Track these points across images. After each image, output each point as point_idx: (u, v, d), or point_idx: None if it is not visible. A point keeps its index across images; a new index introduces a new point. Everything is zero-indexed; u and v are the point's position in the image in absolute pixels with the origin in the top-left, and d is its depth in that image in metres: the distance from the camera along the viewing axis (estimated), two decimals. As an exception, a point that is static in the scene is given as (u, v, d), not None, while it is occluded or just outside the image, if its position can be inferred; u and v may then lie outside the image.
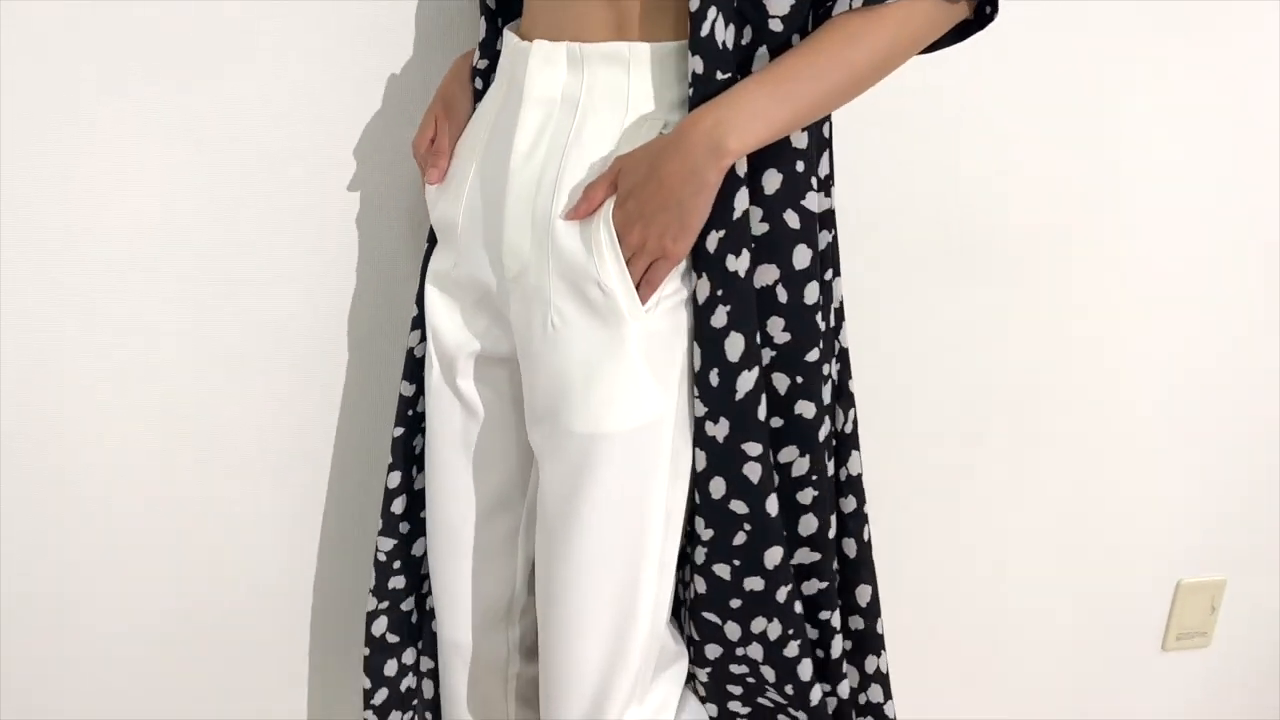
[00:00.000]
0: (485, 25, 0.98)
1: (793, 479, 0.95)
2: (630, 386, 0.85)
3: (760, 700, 1.05)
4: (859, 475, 1.04)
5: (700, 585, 0.95)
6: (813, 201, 0.88)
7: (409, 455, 1.09)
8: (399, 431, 1.08)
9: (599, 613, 0.91)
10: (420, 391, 1.06)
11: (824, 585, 1.00)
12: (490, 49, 0.99)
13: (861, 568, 1.05)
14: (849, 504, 1.03)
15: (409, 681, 1.17)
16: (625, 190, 0.82)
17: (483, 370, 1.01)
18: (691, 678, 1.07)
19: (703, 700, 1.08)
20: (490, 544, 1.07)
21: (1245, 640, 1.64)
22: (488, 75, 0.99)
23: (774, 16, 0.82)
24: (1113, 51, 1.31)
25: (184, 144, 1.15)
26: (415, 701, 1.19)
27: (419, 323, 1.04)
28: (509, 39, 0.93)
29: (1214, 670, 1.65)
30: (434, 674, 1.17)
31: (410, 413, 1.08)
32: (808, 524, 0.96)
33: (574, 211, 0.84)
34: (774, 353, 0.90)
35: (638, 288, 0.84)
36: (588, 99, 0.86)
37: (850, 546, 1.04)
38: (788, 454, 0.94)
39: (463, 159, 0.97)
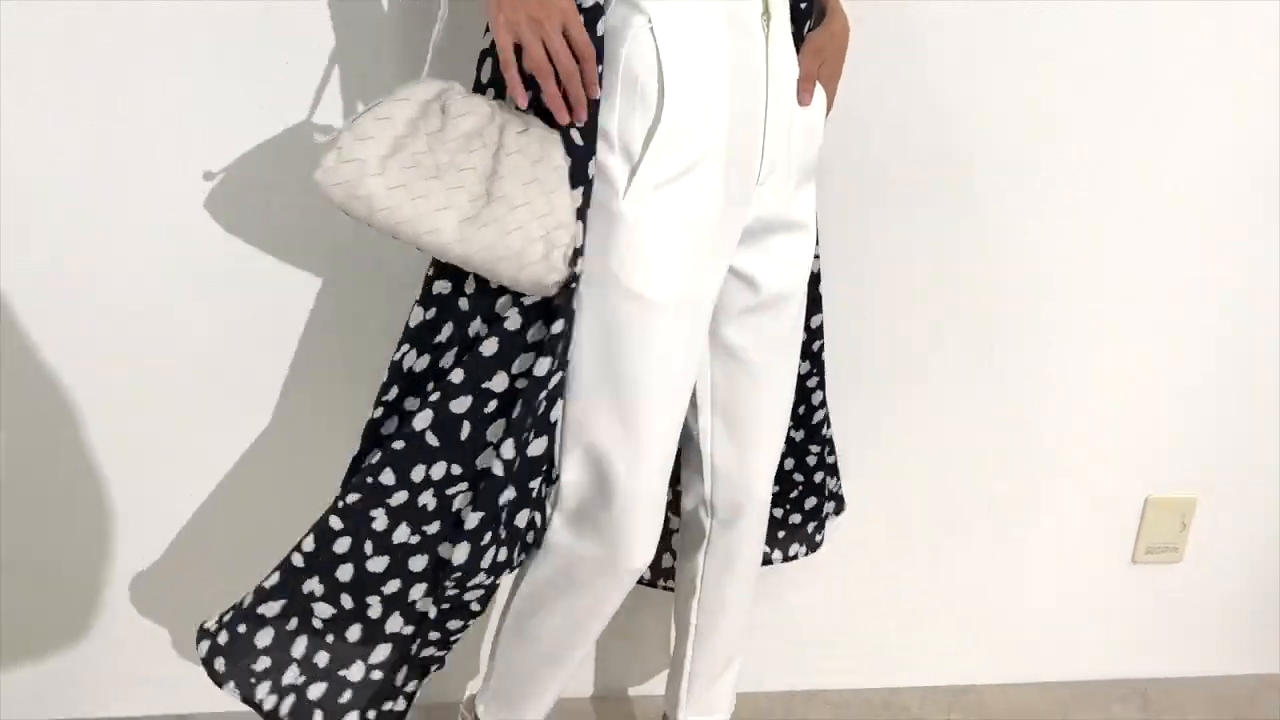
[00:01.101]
0: None
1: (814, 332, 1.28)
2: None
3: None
4: None
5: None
6: None
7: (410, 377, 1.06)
8: (406, 352, 1.05)
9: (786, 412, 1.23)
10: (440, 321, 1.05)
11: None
12: None
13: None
14: None
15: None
16: (831, 68, 1.12)
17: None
18: None
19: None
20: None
21: (1217, 556, 1.69)
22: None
23: None
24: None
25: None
26: None
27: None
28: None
29: (1186, 584, 1.70)
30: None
31: (429, 340, 1.05)
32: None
33: (805, 98, 1.08)
34: None
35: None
36: (781, 13, 1.05)
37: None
38: (816, 319, 1.27)
39: (699, 101, 0.98)
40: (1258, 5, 1.40)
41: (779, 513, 1.37)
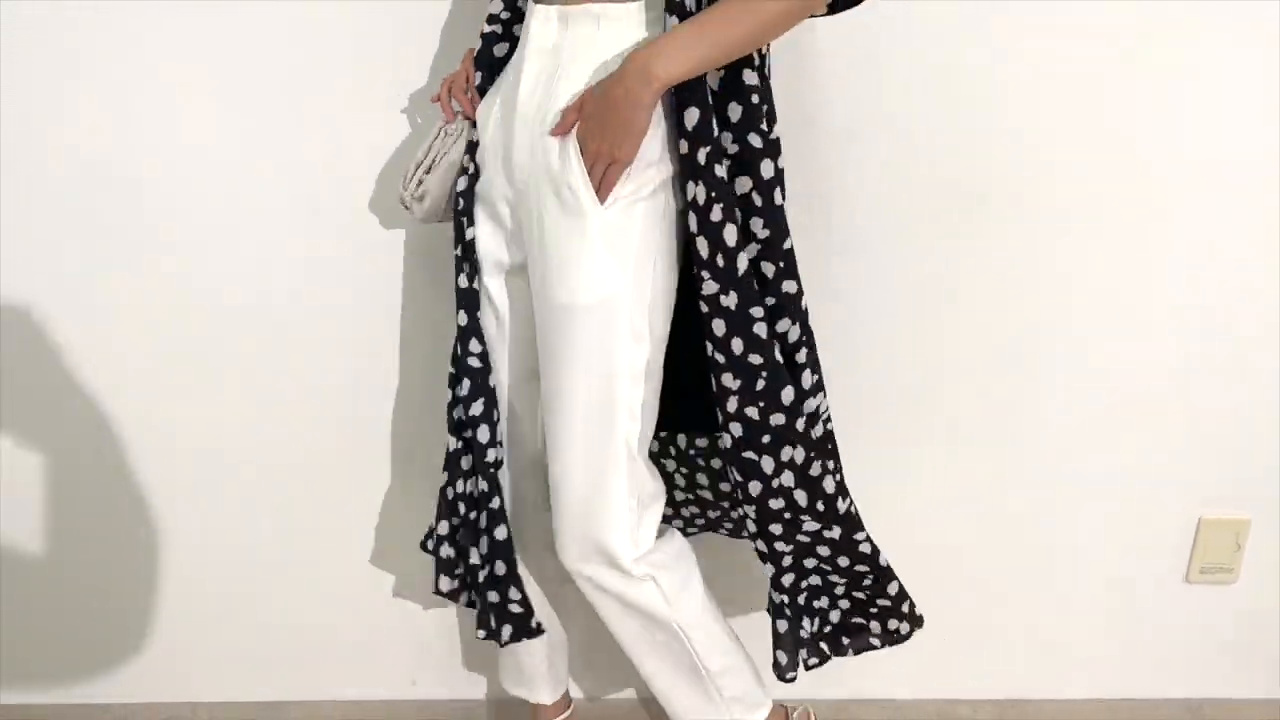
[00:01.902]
0: None
1: (790, 344, 1.20)
2: (592, 267, 1.11)
3: (799, 537, 1.28)
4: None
5: (736, 430, 1.18)
6: (767, 127, 1.12)
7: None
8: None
9: (579, 436, 1.18)
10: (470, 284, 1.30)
11: (830, 426, 1.26)
12: (511, 5, 1.25)
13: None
14: None
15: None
16: (587, 113, 1.10)
17: (509, 277, 1.27)
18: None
19: (753, 538, 1.29)
20: (524, 408, 1.35)
21: (1273, 576, 1.70)
22: (509, 26, 1.25)
23: None
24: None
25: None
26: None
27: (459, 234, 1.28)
28: (528, 5, 1.18)
29: (1241, 604, 1.72)
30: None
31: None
32: (806, 378, 1.22)
33: (555, 130, 1.12)
34: (759, 245, 1.15)
35: (597, 189, 1.10)
36: (570, 49, 1.13)
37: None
38: (783, 325, 1.20)
39: (489, 98, 1.24)
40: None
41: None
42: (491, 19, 1.26)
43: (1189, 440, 1.63)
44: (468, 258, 1.26)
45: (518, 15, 1.25)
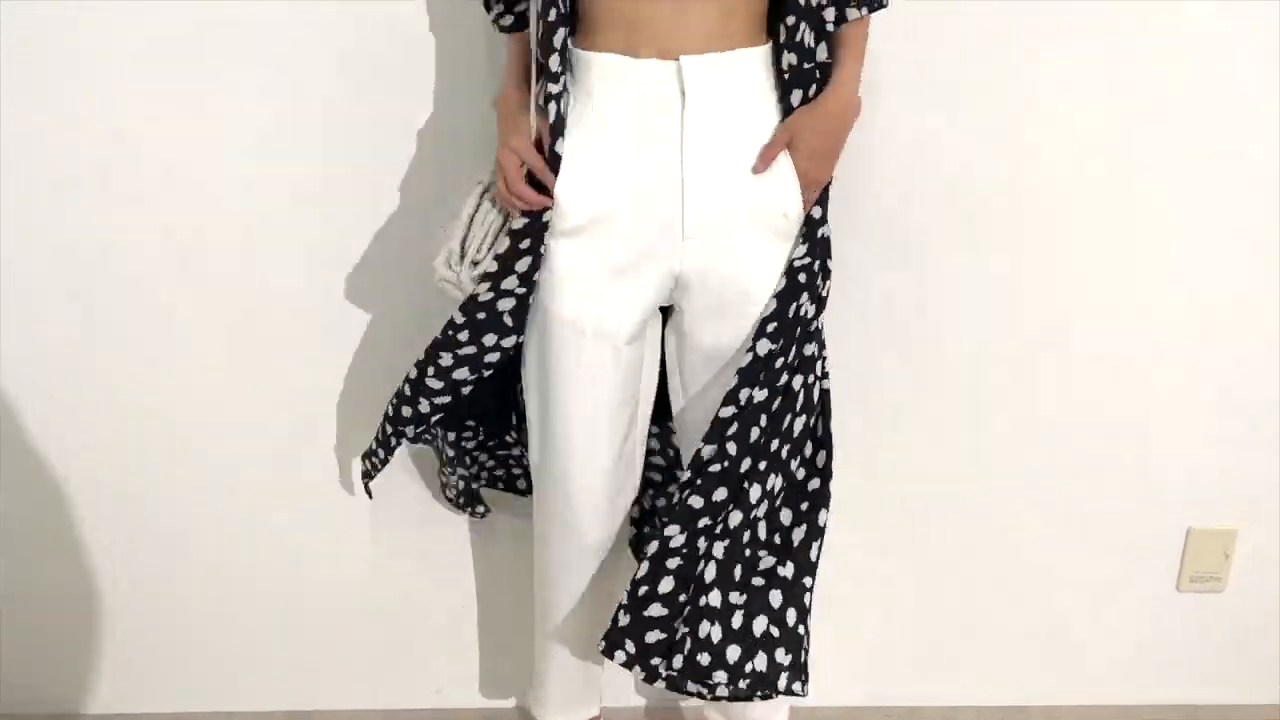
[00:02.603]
0: (544, 54, 1.19)
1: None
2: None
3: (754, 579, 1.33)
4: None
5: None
6: None
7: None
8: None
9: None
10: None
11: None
12: (553, 74, 1.19)
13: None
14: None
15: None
16: (803, 142, 1.21)
17: (636, 335, 1.30)
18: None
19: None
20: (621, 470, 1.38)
21: (1263, 585, 1.77)
22: (559, 96, 1.20)
23: (829, 22, 1.22)
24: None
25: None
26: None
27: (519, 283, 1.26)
28: (621, 63, 1.18)
29: (1231, 612, 1.79)
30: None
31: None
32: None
33: (760, 167, 1.21)
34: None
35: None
36: (732, 93, 1.20)
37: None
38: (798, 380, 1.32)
39: (591, 162, 1.21)
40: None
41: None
42: (551, 76, 1.19)
43: (1178, 452, 1.71)
44: (509, 322, 1.27)
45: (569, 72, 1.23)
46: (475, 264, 1.27)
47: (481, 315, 1.27)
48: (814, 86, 1.23)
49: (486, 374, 1.31)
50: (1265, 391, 1.68)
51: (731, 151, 1.21)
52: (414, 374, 1.32)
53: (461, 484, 1.55)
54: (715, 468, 1.25)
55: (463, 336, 1.28)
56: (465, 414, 1.46)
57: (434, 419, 1.36)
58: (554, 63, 1.19)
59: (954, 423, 1.68)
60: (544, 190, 1.23)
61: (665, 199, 1.21)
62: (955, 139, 1.54)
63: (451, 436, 1.48)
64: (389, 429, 1.39)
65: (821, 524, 1.35)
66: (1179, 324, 1.65)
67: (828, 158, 1.24)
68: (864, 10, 1.24)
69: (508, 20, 1.31)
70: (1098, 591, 1.78)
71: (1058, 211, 1.59)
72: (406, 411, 1.35)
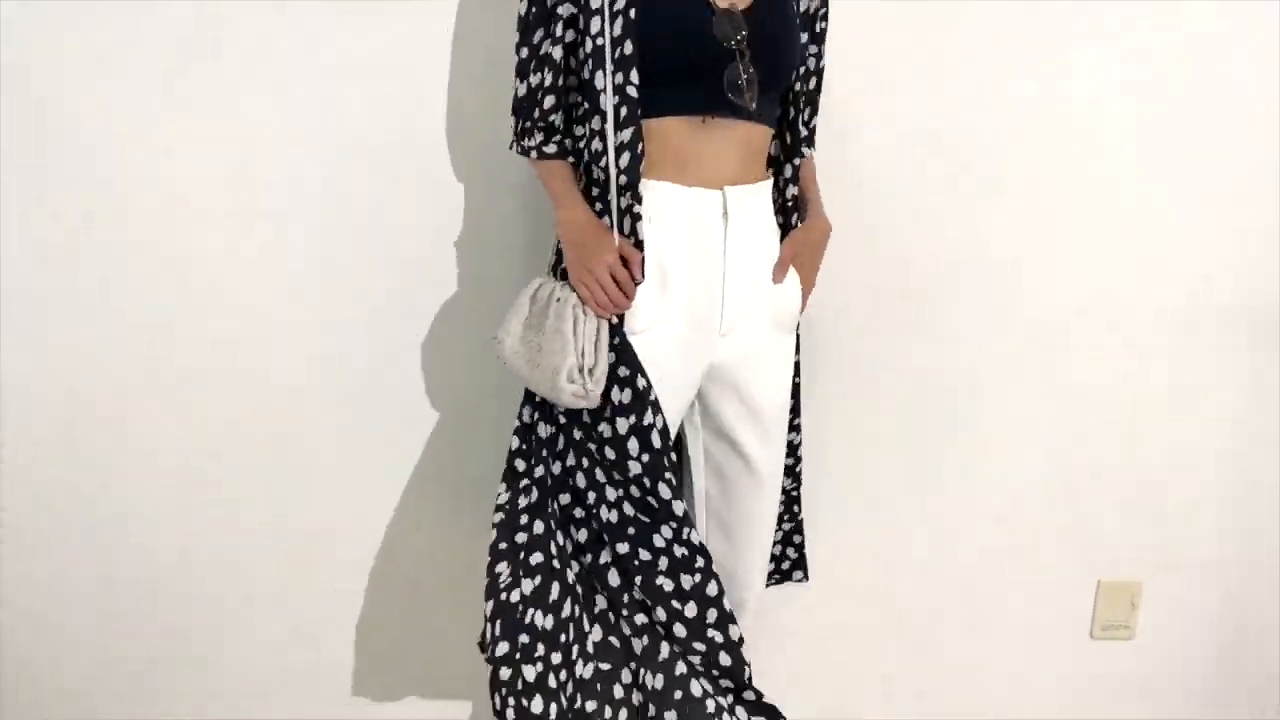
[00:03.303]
0: (630, 182, 1.35)
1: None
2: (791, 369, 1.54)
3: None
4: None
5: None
6: None
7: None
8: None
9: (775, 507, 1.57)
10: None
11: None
12: (639, 198, 1.36)
13: None
14: None
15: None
16: (807, 260, 1.50)
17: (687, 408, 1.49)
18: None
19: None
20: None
21: (1167, 633, 1.95)
22: (635, 213, 1.37)
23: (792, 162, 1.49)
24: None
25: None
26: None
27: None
28: (673, 189, 1.37)
29: (1140, 658, 1.96)
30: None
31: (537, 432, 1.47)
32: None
33: (778, 278, 1.45)
34: None
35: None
36: (759, 217, 1.44)
37: None
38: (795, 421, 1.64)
39: (656, 271, 1.38)
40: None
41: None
42: (638, 199, 1.36)
43: (1087, 511, 1.90)
44: (637, 404, 1.38)
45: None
46: (592, 371, 1.36)
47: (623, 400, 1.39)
48: (798, 213, 1.50)
49: None
50: (1166, 457, 1.88)
51: (756, 263, 1.44)
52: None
53: None
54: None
55: (614, 428, 1.39)
56: None
57: None
58: (639, 190, 1.36)
59: (884, 491, 1.87)
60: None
61: (708, 302, 1.40)
62: (889, 223, 1.76)
63: None
64: None
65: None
66: (1083, 400, 1.85)
67: (817, 268, 1.52)
68: (809, 150, 1.53)
69: (551, 149, 1.42)
70: (1017, 639, 1.94)
71: (960, 292, 1.80)
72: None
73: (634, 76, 1.33)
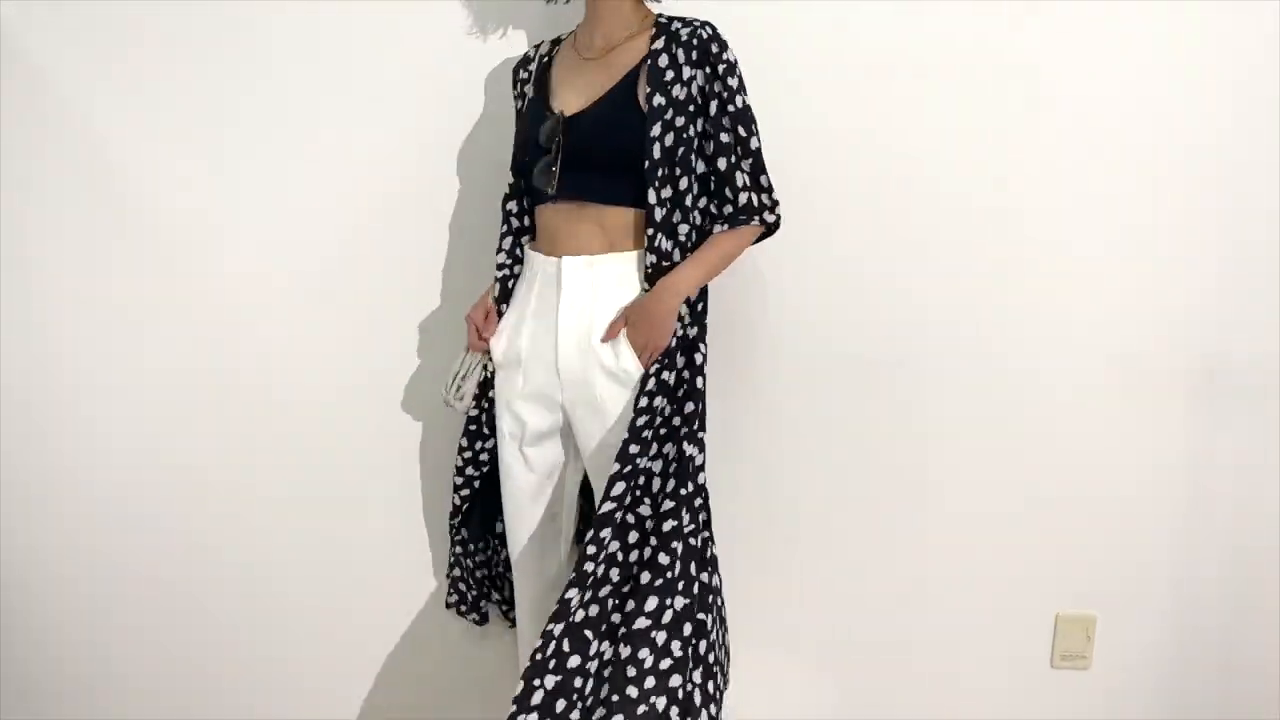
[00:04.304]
0: (512, 243, 1.81)
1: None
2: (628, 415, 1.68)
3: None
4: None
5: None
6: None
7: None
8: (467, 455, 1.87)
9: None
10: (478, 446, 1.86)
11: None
12: (513, 256, 1.80)
13: None
14: None
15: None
16: (634, 321, 1.65)
17: (539, 440, 1.77)
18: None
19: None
20: (546, 538, 1.83)
21: (1121, 664, 2.09)
22: (513, 270, 1.79)
23: (683, 239, 1.66)
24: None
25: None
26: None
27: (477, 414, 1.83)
28: (537, 257, 1.72)
29: (1095, 686, 2.10)
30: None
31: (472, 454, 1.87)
32: None
33: (606, 336, 1.66)
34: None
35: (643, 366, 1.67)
36: (602, 283, 1.67)
37: None
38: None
39: (513, 321, 1.75)
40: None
41: None
42: (503, 267, 1.81)
43: (1044, 548, 2.05)
44: (486, 430, 1.85)
45: (518, 261, 1.81)
46: (450, 388, 1.82)
47: (473, 427, 1.85)
48: (650, 281, 1.67)
49: (484, 470, 1.87)
50: (1118, 504, 2.04)
51: (592, 323, 1.67)
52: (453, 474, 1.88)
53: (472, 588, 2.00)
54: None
55: (464, 440, 1.85)
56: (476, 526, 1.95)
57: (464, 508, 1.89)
58: (519, 255, 1.80)
59: (852, 533, 2.05)
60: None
61: (547, 349, 1.70)
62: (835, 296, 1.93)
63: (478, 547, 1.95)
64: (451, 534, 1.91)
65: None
66: (1035, 443, 2.02)
67: (653, 331, 1.65)
68: (726, 226, 1.68)
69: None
70: (981, 669, 2.10)
71: (920, 337, 1.97)
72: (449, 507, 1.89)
73: (516, 175, 1.79)
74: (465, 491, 1.89)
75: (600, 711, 1.51)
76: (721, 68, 1.63)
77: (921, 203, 1.94)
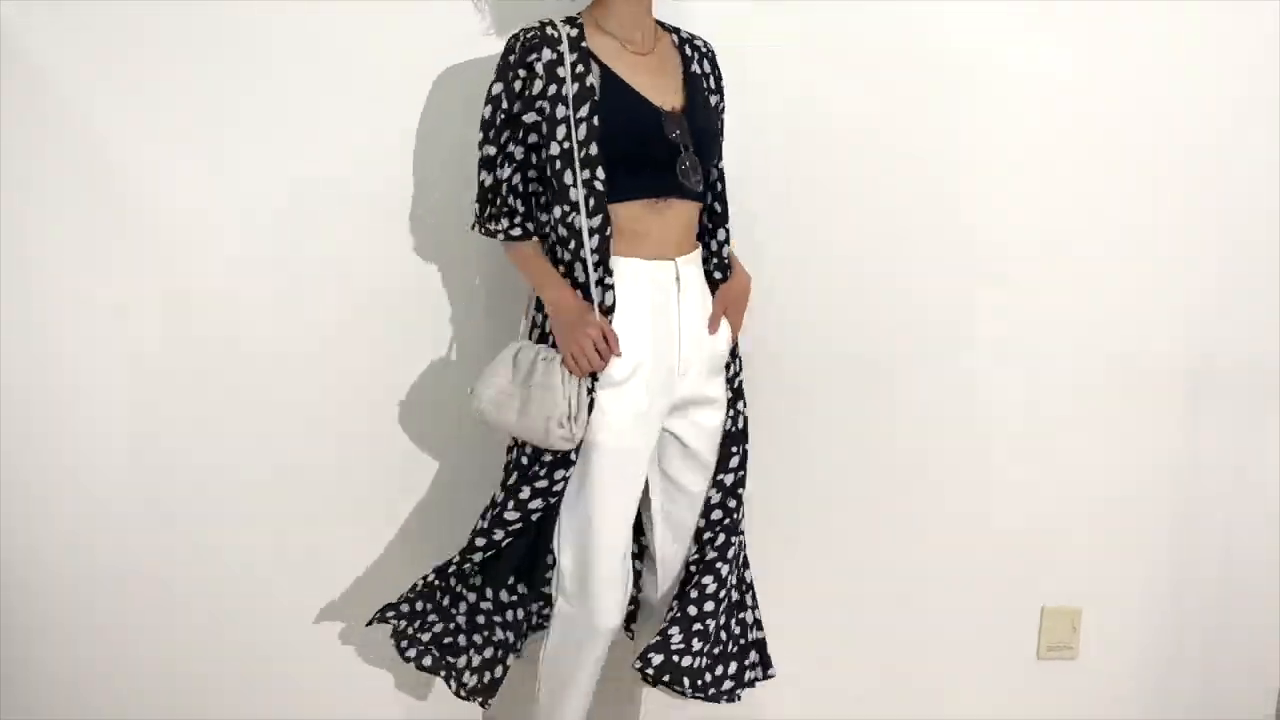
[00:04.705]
0: (602, 259, 1.62)
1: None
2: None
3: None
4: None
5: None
6: None
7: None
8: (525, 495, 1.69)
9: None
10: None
11: None
12: (610, 271, 1.63)
13: None
14: None
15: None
16: (735, 310, 1.77)
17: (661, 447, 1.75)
18: None
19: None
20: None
21: (1106, 655, 2.14)
22: (607, 284, 1.63)
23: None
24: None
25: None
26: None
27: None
28: (635, 261, 1.65)
29: (1081, 677, 2.16)
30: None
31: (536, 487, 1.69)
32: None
33: (713, 329, 1.73)
34: None
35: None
36: (686, 280, 1.70)
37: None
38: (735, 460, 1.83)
39: (630, 333, 1.64)
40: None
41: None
42: (610, 272, 1.63)
43: (1032, 544, 2.09)
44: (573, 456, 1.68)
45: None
46: (575, 418, 1.61)
47: (550, 456, 1.67)
48: (727, 270, 1.78)
49: (552, 500, 1.69)
50: (1102, 503, 2.08)
51: (698, 317, 1.72)
52: (492, 510, 1.69)
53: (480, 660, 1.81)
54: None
55: (540, 470, 1.67)
56: (509, 569, 1.78)
57: (504, 544, 1.71)
58: (610, 265, 1.63)
59: (837, 524, 2.09)
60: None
61: (669, 353, 1.68)
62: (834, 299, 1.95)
63: (490, 593, 1.81)
64: (456, 567, 1.75)
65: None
66: (1022, 444, 2.06)
67: (742, 313, 1.80)
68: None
69: (516, 231, 1.68)
70: (971, 660, 2.15)
71: (908, 338, 2.00)
72: (480, 542, 1.70)
73: (600, 172, 1.60)
74: (518, 526, 1.69)
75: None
76: (722, 83, 1.75)
77: (922, 203, 1.96)
